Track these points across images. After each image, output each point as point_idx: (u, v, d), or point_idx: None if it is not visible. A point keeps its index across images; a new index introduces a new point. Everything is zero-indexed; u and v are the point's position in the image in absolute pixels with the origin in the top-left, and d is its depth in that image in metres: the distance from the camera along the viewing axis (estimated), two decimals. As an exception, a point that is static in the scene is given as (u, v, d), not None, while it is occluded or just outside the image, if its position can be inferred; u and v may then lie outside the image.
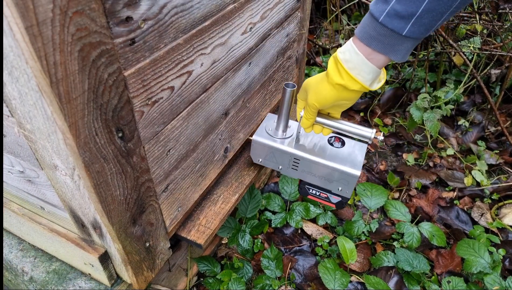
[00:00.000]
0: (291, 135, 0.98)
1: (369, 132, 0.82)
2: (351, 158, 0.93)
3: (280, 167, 0.99)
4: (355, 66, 0.65)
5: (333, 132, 0.94)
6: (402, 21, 0.57)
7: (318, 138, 0.98)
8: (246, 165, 1.09)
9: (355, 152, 0.95)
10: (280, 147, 0.95)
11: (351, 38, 0.67)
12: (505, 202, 1.43)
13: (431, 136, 1.64)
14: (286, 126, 0.97)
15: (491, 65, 1.66)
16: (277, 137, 0.98)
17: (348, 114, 1.87)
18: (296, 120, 1.04)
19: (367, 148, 1.69)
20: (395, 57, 0.63)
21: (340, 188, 0.95)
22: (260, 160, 1.02)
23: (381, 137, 0.82)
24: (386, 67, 2.01)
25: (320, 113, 0.83)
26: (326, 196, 0.99)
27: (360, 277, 1.20)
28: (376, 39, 0.61)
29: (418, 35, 0.59)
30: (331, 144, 0.97)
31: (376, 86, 0.70)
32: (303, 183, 0.99)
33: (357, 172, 0.90)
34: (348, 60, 0.66)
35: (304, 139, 0.98)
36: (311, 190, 1.00)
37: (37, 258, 0.87)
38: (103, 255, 0.74)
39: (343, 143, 0.97)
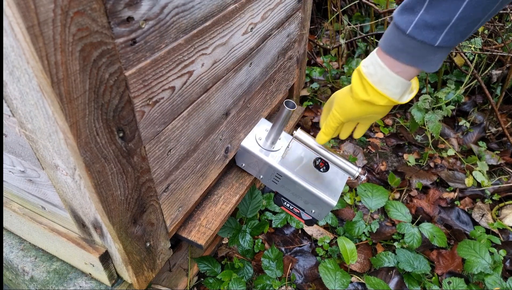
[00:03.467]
0: (279, 149, 0.99)
1: (355, 170, 0.84)
2: (331, 186, 0.94)
3: (261, 176, 1.00)
4: (380, 80, 0.60)
5: (322, 160, 0.96)
6: (433, 32, 0.52)
7: (304, 157, 0.98)
8: (246, 165, 1.08)
9: (337, 180, 0.96)
10: (266, 160, 0.96)
11: (374, 50, 0.62)
12: (506, 203, 1.42)
13: (432, 137, 1.64)
14: (276, 139, 0.98)
15: (492, 65, 1.66)
16: (265, 148, 0.98)
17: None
18: (289, 133, 1.04)
19: (368, 148, 1.69)
20: (428, 68, 0.57)
21: (313, 211, 0.97)
22: (244, 165, 1.03)
23: (364, 177, 0.85)
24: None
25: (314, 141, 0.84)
26: (298, 212, 1.01)
27: (360, 278, 1.20)
28: (404, 51, 0.56)
29: (453, 43, 0.53)
30: (316, 166, 0.97)
31: (407, 98, 0.64)
32: (279, 194, 1.00)
33: (334, 202, 0.91)
34: (373, 74, 0.61)
35: (291, 156, 0.98)
36: (285, 202, 1.01)
37: (37, 258, 0.87)
38: (103, 255, 0.74)
39: (327, 167, 0.98)
